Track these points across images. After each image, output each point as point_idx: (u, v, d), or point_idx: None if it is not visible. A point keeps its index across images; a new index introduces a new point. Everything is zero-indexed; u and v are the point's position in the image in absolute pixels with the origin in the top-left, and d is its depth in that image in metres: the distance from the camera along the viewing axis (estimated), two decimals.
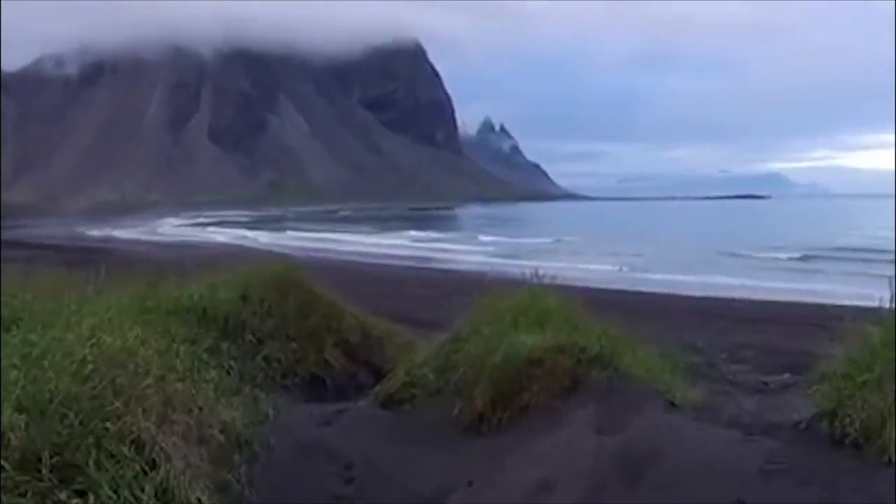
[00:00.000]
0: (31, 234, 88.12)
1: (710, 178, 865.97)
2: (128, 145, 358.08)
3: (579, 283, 25.66)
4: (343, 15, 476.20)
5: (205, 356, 7.74)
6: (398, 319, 12.80)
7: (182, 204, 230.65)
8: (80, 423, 5.24)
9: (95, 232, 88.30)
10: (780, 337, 20.95)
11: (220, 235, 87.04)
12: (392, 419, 8.13)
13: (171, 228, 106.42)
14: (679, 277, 40.87)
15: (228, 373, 7.89)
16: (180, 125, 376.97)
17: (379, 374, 9.62)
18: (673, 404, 7.49)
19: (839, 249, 56.38)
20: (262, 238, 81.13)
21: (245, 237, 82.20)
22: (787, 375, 10.97)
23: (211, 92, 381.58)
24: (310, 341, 10.10)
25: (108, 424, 5.36)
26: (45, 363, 5.65)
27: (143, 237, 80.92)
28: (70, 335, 6.17)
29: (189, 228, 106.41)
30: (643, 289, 36.05)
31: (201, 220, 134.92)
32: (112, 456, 5.22)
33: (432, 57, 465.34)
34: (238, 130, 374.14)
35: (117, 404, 5.51)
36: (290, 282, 10.51)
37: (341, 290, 11.00)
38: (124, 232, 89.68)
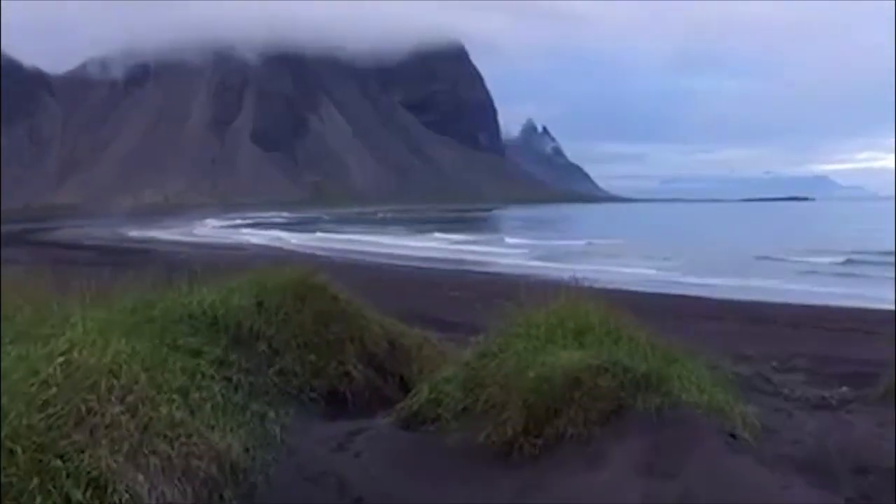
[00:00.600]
0: (72, 234, 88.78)
1: (755, 179, 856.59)
2: (172, 147, 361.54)
3: (612, 286, 25.03)
4: (385, 17, 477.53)
5: (210, 370, 7.01)
6: (426, 322, 11.97)
7: (225, 205, 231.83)
8: (30, 460, 4.47)
9: (136, 233, 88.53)
10: (828, 343, 20.58)
11: (255, 237, 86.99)
12: (412, 443, 7.25)
13: (209, 230, 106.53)
14: (719, 281, 40.24)
15: (236, 388, 7.15)
16: (223, 127, 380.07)
17: (406, 388, 8.75)
18: (733, 436, 6.51)
19: (885, 253, 54.88)
20: (293, 240, 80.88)
21: (279, 238, 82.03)
22: (845, 389, 10.14)
23: (254, 94, 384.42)
24: (330, 352, 9.13)
25: (60, 462, 4.57)
26: (6, 385, 4.87)
27: (182, 238, 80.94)
28: (45, 350, 5.39)
29: (226, 230, 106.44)
30: (681, 292, 35.51)
31: (239, 221, 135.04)
32: (67, 499, 4.43)
33: (474, 58, 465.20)
34: (281, 132, 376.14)
35: (77, 437, 4.73)
36: (309, 286, 9.58)
37: (363, 290, 10.12)
38: (165, 233, 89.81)
